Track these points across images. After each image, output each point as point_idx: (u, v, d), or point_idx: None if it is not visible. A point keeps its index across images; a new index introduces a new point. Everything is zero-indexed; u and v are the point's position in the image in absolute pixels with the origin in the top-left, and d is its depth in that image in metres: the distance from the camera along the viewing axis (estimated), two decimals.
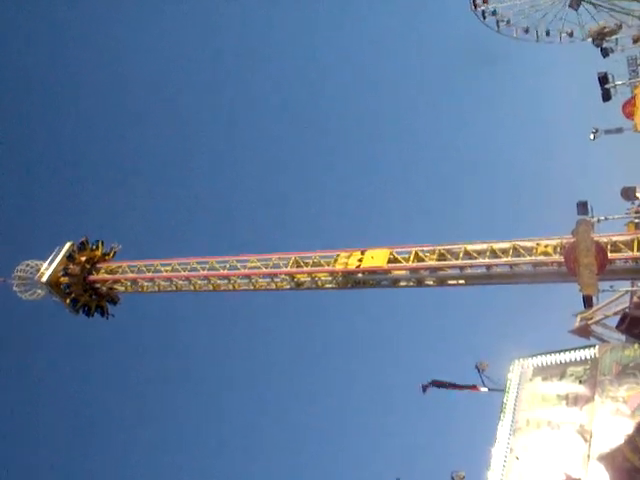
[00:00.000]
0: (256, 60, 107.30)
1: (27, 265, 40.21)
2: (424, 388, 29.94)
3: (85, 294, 39.81)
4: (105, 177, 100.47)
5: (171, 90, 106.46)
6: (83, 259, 39.81)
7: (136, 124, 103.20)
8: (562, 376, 26.67)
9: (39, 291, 39.78)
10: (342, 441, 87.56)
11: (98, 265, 40.05)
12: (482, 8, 58.89)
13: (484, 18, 59.39)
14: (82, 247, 40.38)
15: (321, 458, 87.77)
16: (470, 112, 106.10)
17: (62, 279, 39.52)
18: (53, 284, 39.32)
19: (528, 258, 27.83)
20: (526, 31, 59.04)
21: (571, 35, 57.45)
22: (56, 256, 39.84)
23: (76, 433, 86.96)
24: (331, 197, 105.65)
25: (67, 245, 40.29)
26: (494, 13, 59.04)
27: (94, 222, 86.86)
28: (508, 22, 59.18)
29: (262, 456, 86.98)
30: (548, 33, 58.31)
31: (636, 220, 36.37)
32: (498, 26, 59.36)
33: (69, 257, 39.77)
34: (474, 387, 29.58)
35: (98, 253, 40.60)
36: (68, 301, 39.75)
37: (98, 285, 39.79)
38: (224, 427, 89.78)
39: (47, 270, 39.34)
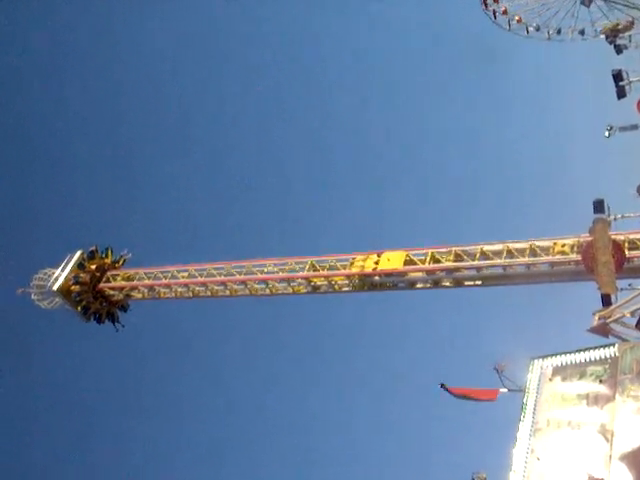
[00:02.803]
0: (257, 54, 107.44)
1: (45, 274, 40.54)
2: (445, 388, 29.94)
3: (96, 302, 40.33)
4: (116, 185, 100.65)
5: (178, 94, 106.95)
6: (93, 267, 40.37)
7: (143, 130, 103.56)
8: (582, 376, 26.55)
9: (57, 299, 40.11)
10: (361, 442, 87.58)
11: (111, 272, 40.49)
12: (493, 8, 58.90)
13: (495, 17, 59.40)
14: (92, 255, 40.89)
15: (341, 459, 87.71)
16: (485, 111, 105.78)
17: (73, 287, 39.99)
18: (64, 292, 39.80)
19: (545, 258, 27.75)
20: (537, 29, 58.97)
21: (582, 33, 57.33)
22: (67, 265, 40.37)
23: (76, 432, 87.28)
24: (346, 200, 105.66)
25: (77, 254, 40.84)
26: (506, 12, 59.04)
27: (105, 231, 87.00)
28: (519, 21, 59.13)
29: (276, 458, 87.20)
30: (559, 31, 58.21)
31: None
32: (510, 25, 59.32)
33: (79, 265, 40.31)
34: (492, 394, 29.31)
35: (108, 261, 41.22)
36: (79, 309, 40.24)
37: (114, 292, 40.13)
38: (226, 428, 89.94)
39: (58, 279, 39.85)
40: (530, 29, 59.05)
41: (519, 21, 59.07)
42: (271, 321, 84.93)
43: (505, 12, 59.02)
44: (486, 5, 59.25)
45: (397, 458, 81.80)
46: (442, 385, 30.23)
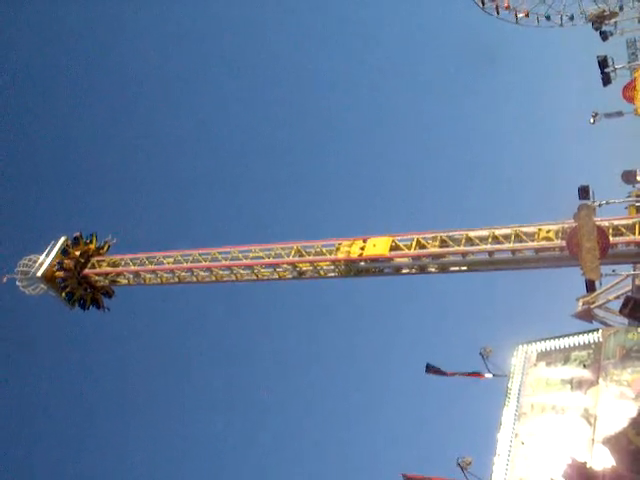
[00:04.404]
0: (254, 51, 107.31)
1: (29, 260, 40.28)
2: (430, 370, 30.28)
3: (80, 287, 40.09)
4: (101, 172, 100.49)
5: (162, 82, 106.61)
6: (77, 253, 40.10)
7: (129, 117, 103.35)
8: (566, 360, 26.76)
9: (42, 285, 39.87)
10: (347, 428, 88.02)
11: (96, 258, 40.24)
12: (496, 3, 58.66)
13: (498, 13, 59.16)
14: (76, 242, 40.62)
15: (327, 445, 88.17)
16: (470, 99, 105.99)
17: (57, 273, 39.81)
18: (48, 278, 39.57)
19: (530, 244, 27.76)
20: (527, 15, 58.87)
21: (572, 19, 57.22)
22: (50, 251, 40.13)
23: (74, 427, 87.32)
24: (333, 186, 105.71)
25: (61, 240, 40.59)
26: (509, 7, 58.86)
27: (90, 217, 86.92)
28: (526, 14, 58.95)
29: (263, 448, 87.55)
30: (549, 17, 58.12)
31: (637, 203, 36.35)
32: (498, 12, 59.14)
33: (64, 252, 40.09)
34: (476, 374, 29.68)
35: (92, 247, 40.86)
36: (64, 295, 40.02)
37: (99, 278, 39.91)
38: (224, 420, 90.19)
39: (42, 265, 39.63)
40: (519, 15, 58.87)
41: (526, 15, 59.00)
42: (261, 306, 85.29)
43: (508, 7, 58.86)
44: (483, 3, 59.06)
45: (382, 443, 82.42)
46: (427, 367, 30.53)
